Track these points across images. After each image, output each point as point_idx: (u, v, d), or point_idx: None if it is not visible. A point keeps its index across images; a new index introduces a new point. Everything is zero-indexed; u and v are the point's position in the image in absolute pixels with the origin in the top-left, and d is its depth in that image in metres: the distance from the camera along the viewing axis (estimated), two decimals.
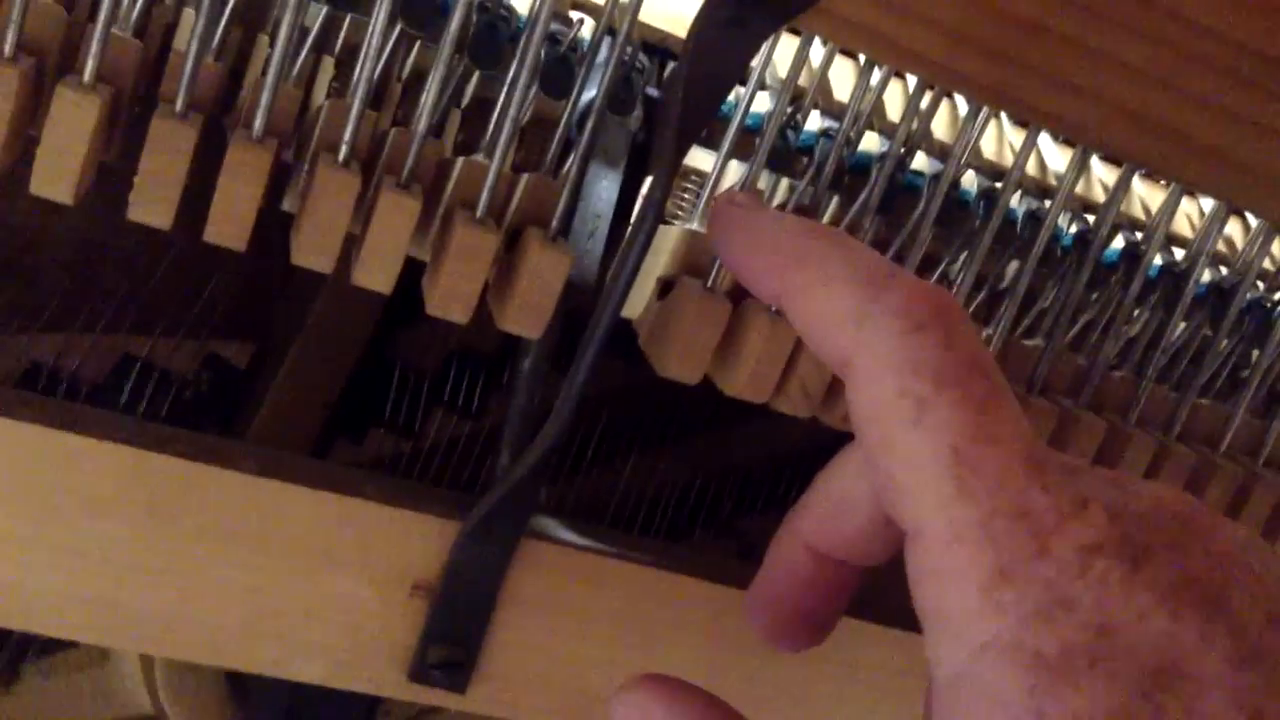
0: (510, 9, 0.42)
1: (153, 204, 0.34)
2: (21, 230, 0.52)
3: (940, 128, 0.47)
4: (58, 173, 0.33)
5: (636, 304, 0.44)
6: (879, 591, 0.38)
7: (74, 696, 0.53)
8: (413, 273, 0.40)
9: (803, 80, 0.43)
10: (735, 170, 0.44)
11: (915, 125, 0.44)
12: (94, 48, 0.34)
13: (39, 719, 0.53)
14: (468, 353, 0.59)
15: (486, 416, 0.59)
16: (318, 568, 0.41)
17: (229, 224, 0.35)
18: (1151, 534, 0.26)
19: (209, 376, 0.54)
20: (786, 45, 0.41)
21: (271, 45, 0.37)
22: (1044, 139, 0.50)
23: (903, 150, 0.44)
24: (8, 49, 0.33)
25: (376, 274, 0.37)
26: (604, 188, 0.43)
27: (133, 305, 0.52)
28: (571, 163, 0.40)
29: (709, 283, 0.41)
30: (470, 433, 0.59)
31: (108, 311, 0.51)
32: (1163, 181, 0.53)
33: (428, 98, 0.37)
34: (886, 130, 0.45)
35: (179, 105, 0.34)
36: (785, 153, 0.43)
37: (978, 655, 0.25)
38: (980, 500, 0.26)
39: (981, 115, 0.44)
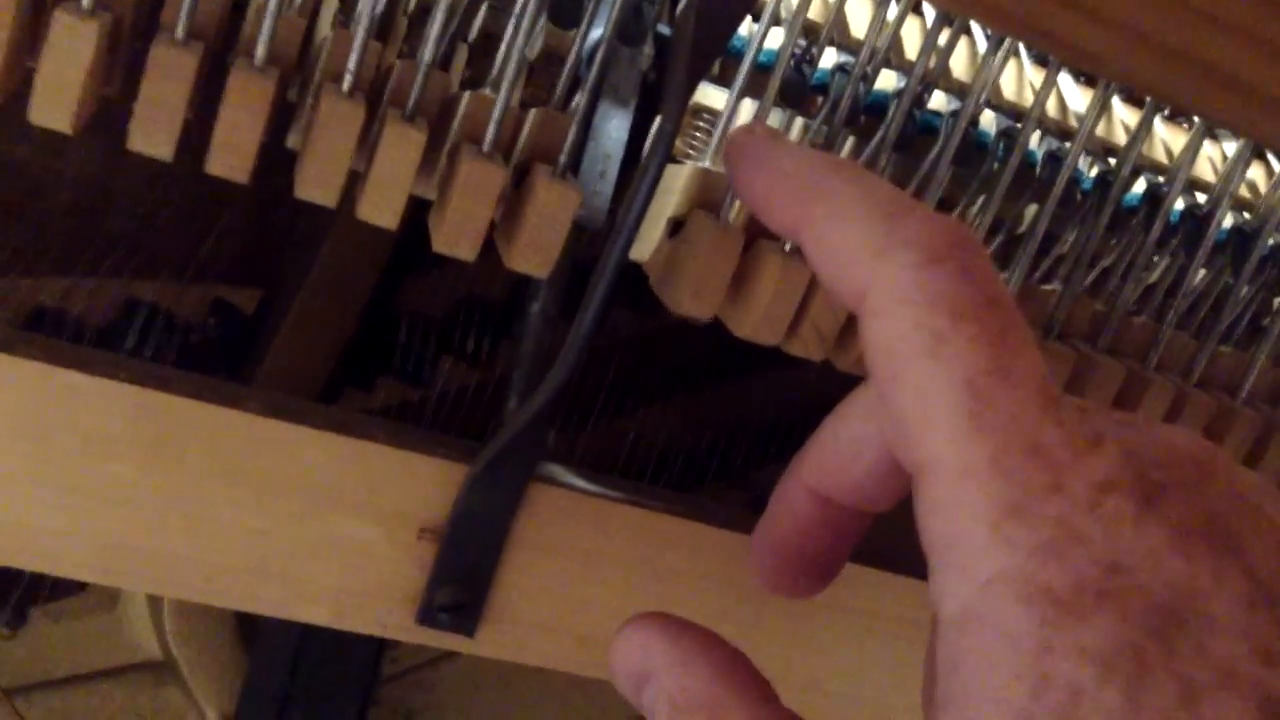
0: None
1: (153, 133, 0.33)
2: (25, 174, 0.51)
3: (959, 66, 0.46)
4: (56, 101, 0.33)
5: (646, 246, 0.43)
6: (890, 539, 0.38)
7: (82, 641, 0.53)
8: (420, 221, 0.40)
9: (819, 16, 0.43)
10: (748, 108, 0.43)
11: (933, 62, 0.43)
12: None
13: (47, 664, 0.53)
14: (476, 300, 0.59)
15: (495, 364, 0.59)
16: (325, 510, 0.41)
17: (231, 154, 0.34)
18: (1166, 474, 0.26)
19: (216, 322, 0.53)
20: None
21: None
22: (1065, 80, 0.49)
23: (920, 88, 0.43)
24: None
25: (381, 208, 0.36)
26: (614, 127, 0.42)
27: (138, 249, 0.51)
28: (580, 99, 0.40)
29: (720, 220, 0.40)
30: (479, 381, 0.59)
31: (113, 255, 0.51)
32: (1185, 124, 0.52)
33: (433, 27, 0.36)
34: (904, 68, 0.44)
35: (179, 32, 0.34)
36: (800, 89, 0.42)
37: (986, 590, 0.25)
38: (994, 434, 0.26)
39: (1001, 53, 0.43)
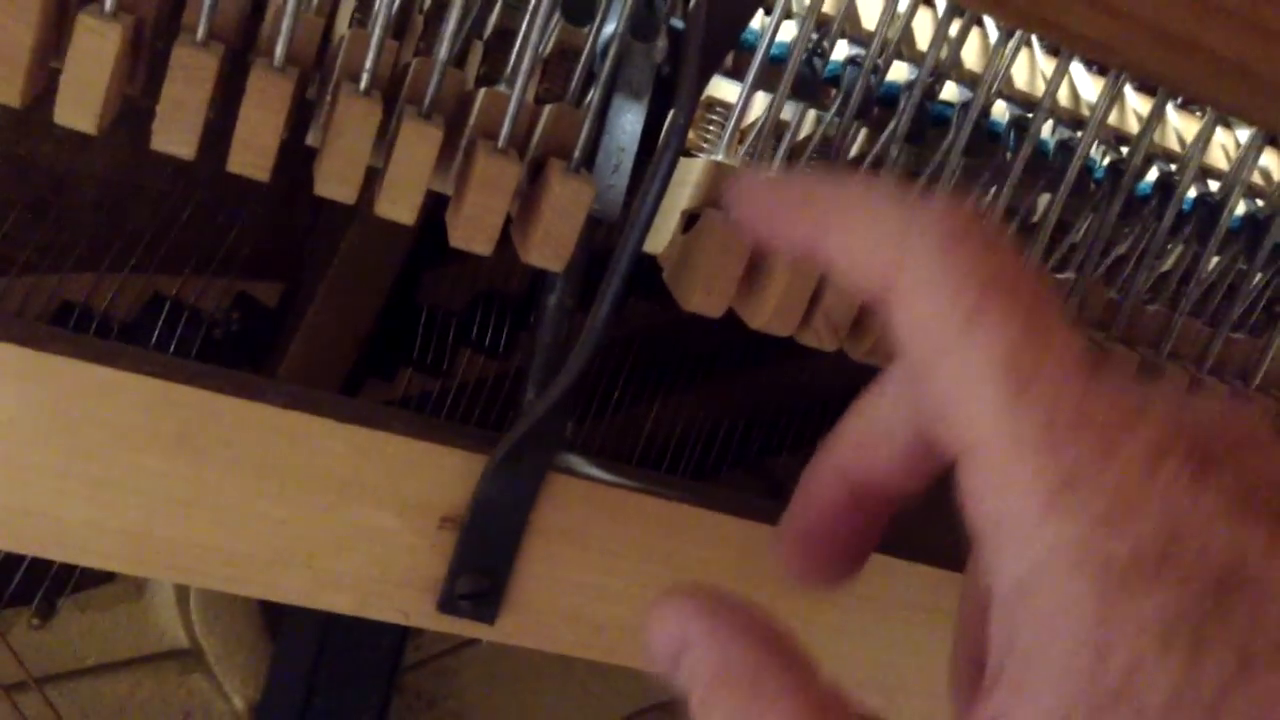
0: None
1: (175, 133, 0.34)
2: (51, 171, 0.52)
3: (970, 57, 0.46)
4: (81, 102, 0.33)
5: (661, 239, 0.44)
6: (905, 526, 0.38)
7: (110, 631, 0.54)
8: (438, 217, 0.40)
9: (830, 9, 0.43)
10: (761, 101, 0.44)
11: (944, 53, 0.43)
12: None
13: (76, 653, 0.54)
14: (494, 294, 0.59)
15: (513, 357, 0.59)
16: (347, 500, 0.42)
17: (252, 152, 0.35)
18: (1215, 440, 0.26)
19: (239, 315, 0.54)
20: None
21: None
22: (1077, 70, 0.50)
23: (931, 79, 0.43)
24: None
25: (399, 204, 0.37)
26: (628, 121, 0.43)
27: (162, 245, 0.52)
28: (594, 95, 0.40)
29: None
30: (497, 373, 0.59)
31: (137, 251, 0.52)
32: (1198, 113, 0.52)
33: (448, 25, 0.36)
34: (915, 59, 0.45)
35: (200, 33, 0.34)
36: (812, 81, 0.43)
37: (1045, 561, 0.25)
38: (1040, 407, 0.25)
39: (1012, 43, 0.44)
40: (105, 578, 0.54)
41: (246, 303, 0.55)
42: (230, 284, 0.54)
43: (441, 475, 0.42)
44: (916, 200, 0.29)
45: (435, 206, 0.39)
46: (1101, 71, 0.49)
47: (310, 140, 0.40)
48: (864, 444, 0.32)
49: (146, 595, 0.54)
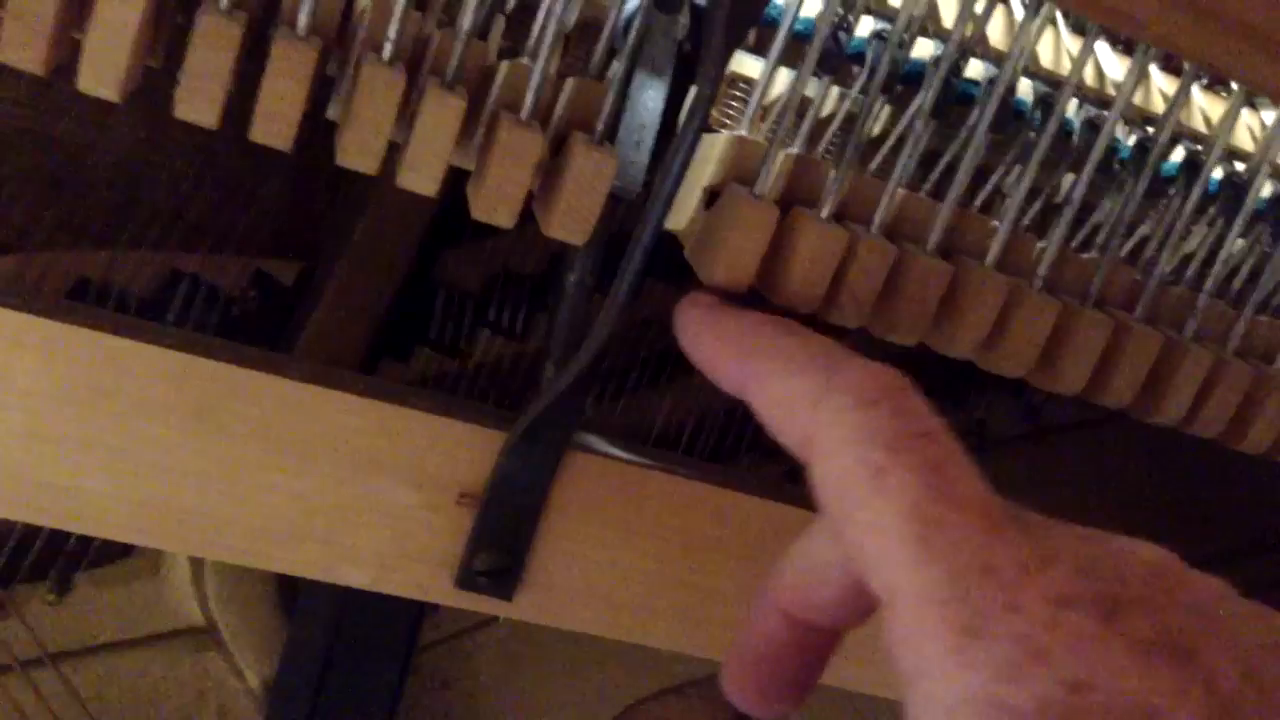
0: None
1: (199, 102, 0.34)
2: (68, 146, 0.52)
3: (996, 33, 0.46)
4: (104, 69, 0.33)
5: (682, 216, 0.43)
6: None
7: (126, 608, 0.54)
8: (457, 195, 0.40)
9: None
10: (784, 77, 0.43)
11: (970, 29, 0.43)
12: None
13: (92, 630, 0.54)
14: (511, 274, 0.59)
15: (530, 338, 0.59)
16: (364, 475, 0.41)
17: (274, 123, 0.34)
18: (1123, 587, 0.26)
19: (257, 293, 0.54)
20: None
21: None
22: (1103, 48, 0.49)
23: (957, 55, 0.43)
24: None
25: (422, 174, 0.36)
26: (650, 96, 0.42)
27: (180, 222, 0.52)
28: (616, 69, 0.40)
29: (756, 189, 0.41)
30: (514, 355, 0.59)
31: (155, 228, 0.52)
32: (1224, 93, 0.52)
33: None
34: (941, 35, 0.44)
35: (224, 2, 0.34)
36: (836, 57, 0.42)
37: (953, 713, 0.25)
38: (945, 558, 0.26)
39: (1038, 20, 0.43)
40: (121, 553, 0.54)
41: (264, 281, 0.55)
42: (248, 262, 0.54)
43: (460, 451, 0.42)
44: (838, 359, 0.31)
45: (453, 185, 0.39)
46: (1127, 50, 0.49)
47: (330, 114, 0.40)
48: (801, 585, 0.33)
49: (162, 572, 0.54)
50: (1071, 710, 0.24)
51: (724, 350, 0.35)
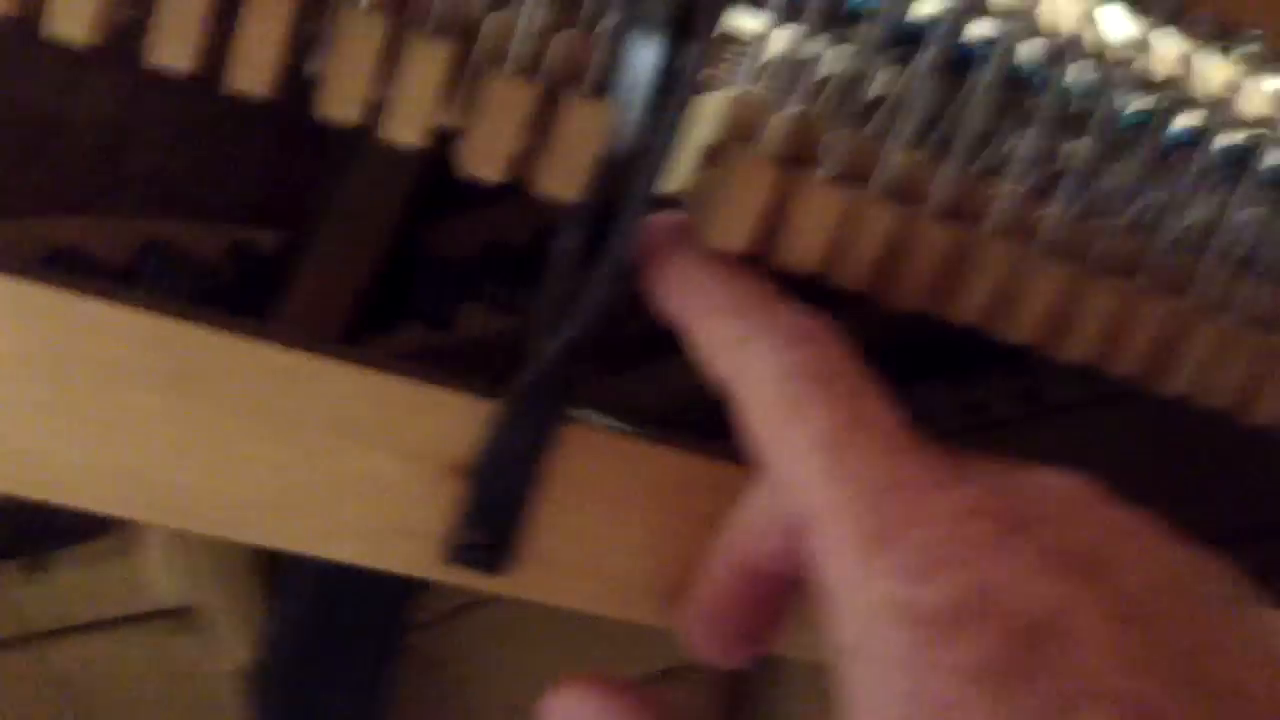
0: None
1: (173, 44, 0.32)
2: (42, 112, 0.50)
3: None
4: (73, 11, 0.32)
5: (678, 177, 0.42)
6: None
7: (102, 588, 0.53)
8: (444, 165, 0.39)
9: None
10: (783, 34, 0.42)
11: None
12: None
13: (68, 610, 0.52)
14: (500, 245, 0.58)
15: (518, 312, 0.58)
16: (349, 445, 0.40)
17: (251, 68, 0.33)
18: (1034, 506, 0.27)
19: (236, 263, 0.53)
20: None
21: None
22: (1111, 11, 0.48)
23: (961, 9, 0.41)
24: None
25: (407, 126, 0.35)
26: (644, 53, 0.41)
27: (157, 190, 0.50)
28: (608, 23, 0.39)
29: (755, 146, 0.39)
30: (501, 329, 0.58)
31: (131, 196, 0.50)
32: (1232, 59, 0.50)
33: None
34: None
35: None
36: (836, 13, 0.41)
37: (867, 622, 0.26)
38: (857, 476, 0.28)
39: None
40: (96, 531, 0.53)
41: (245, 250, 0.53)
42: (229, 231, 0.53)
43: (449, 421, 0.41)
44: (767, 302, 0.33)
45: (437, 154, 0.38)
46: (1141, 8, 0.48)
47: (310, 70, 0.39)
48: (751, 534, 0.35)
49: (139, 551, 0.53)
50: (979, 612, 0.24)
51: (669, 283, 0.36)
